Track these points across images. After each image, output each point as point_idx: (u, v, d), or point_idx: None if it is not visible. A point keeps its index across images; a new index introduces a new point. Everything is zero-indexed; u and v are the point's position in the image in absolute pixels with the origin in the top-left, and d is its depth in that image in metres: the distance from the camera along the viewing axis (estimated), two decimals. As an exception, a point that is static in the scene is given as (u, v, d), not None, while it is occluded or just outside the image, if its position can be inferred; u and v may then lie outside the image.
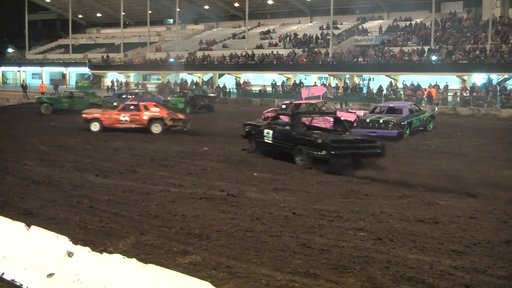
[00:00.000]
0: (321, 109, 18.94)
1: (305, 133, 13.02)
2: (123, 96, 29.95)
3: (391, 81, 36.57)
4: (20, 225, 6.03)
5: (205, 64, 46.60)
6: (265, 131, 13.96)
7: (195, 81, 45.92)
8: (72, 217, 8.28)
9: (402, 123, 17.50)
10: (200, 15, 61.75)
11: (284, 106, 19.31)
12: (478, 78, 34.14)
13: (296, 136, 12.90)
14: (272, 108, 21.31)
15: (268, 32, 52.00)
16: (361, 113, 19.08)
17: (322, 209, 8.69)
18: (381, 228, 7.64)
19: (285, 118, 15.63)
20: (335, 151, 11.80)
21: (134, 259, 4.92)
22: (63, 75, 61.39)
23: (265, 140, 13.93)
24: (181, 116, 20.27)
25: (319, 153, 11.95)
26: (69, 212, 8.62)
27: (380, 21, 48.39)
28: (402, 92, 34.21)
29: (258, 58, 43.64)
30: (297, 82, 40.34)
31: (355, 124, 18.15)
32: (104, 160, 13.80)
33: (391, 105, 19.84)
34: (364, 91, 38.00)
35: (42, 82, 46.35)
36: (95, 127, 19.71)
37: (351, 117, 18.33)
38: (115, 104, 24.16)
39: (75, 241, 5.69)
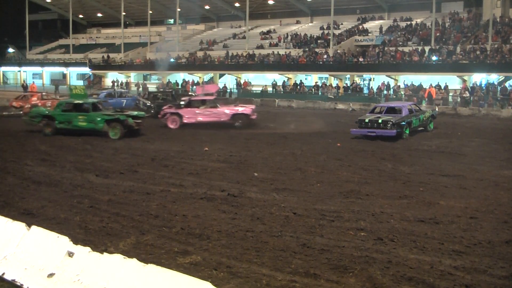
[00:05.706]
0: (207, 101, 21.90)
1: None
2: (111, 95, 30.69)
3: (388, 82, 36.55)
4: (21, 225, 6.02)
5: (206, 64, 46.57)
6: None
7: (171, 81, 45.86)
8: (72, 217, 8.29)
9: (401, 123, 17.49)
10: (201, 15, 61.73)
11: (182, 103, 21.77)
12: (479, 78, 34.10)
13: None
14: (169, 105, 23.42)
15: (268, 32, 51.97)
16: (248, 109, 21.47)
17: (322, 209, 8.69)
18: (382, 228, 7.64)
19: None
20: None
21: (134, 259, 4.92)
22: (64, 75, 61.46)
23: None
24: None
25: None
26: (69, 212, 8.63)
27: (381, 21, 48.35)
28: (403, 92, 34.18)
29: (259, 58, 43.62)
30: (298, 82, 40.35)
31: (253, 116, 21.14)
32: (104, 160, 13.81)
33: (391, 105, 19.83)
34: (365, 91, 37.99)
35: (32, 82, 46.85)
36: None
37: (247, 110, 21.02)
38: None
39: (75, 241, 5.68)
